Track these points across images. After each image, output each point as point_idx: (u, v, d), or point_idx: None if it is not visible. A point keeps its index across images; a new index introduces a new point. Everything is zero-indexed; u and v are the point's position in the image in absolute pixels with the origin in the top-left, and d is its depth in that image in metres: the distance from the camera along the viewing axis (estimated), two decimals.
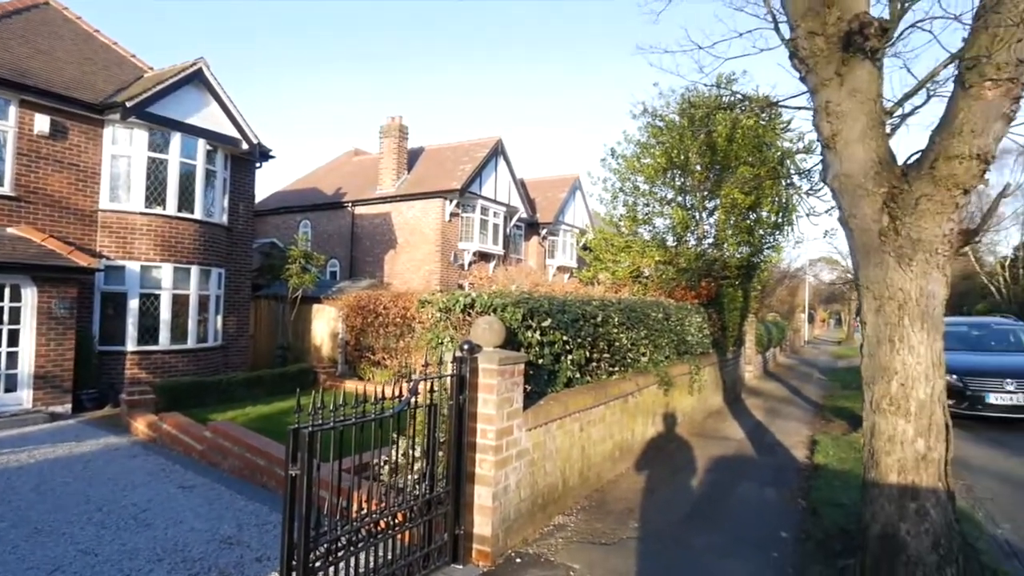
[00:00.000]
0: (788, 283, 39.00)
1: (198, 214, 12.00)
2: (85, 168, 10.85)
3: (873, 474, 3.77)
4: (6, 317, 9.10)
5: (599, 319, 6.35)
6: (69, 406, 9.64)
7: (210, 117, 12.28)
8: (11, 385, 9.16)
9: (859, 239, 3.85)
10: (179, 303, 11.76)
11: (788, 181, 12.42)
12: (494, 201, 22.16)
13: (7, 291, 9.10)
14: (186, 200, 11.85)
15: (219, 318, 12.86)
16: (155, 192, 11.44)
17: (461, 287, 19.36)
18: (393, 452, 4.40)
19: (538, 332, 5.19)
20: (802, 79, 4.10)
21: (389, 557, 3.79)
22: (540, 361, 5.26)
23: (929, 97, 5.28)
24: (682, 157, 12.37)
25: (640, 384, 7.28)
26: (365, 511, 3.67)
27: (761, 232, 12.60)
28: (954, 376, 9.15)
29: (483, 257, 21.86)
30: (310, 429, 3.12)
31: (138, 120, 11.02)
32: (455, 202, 20.32)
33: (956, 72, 3.56)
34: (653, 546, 4.75)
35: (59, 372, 9.53)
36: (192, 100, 11.97)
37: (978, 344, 11.07)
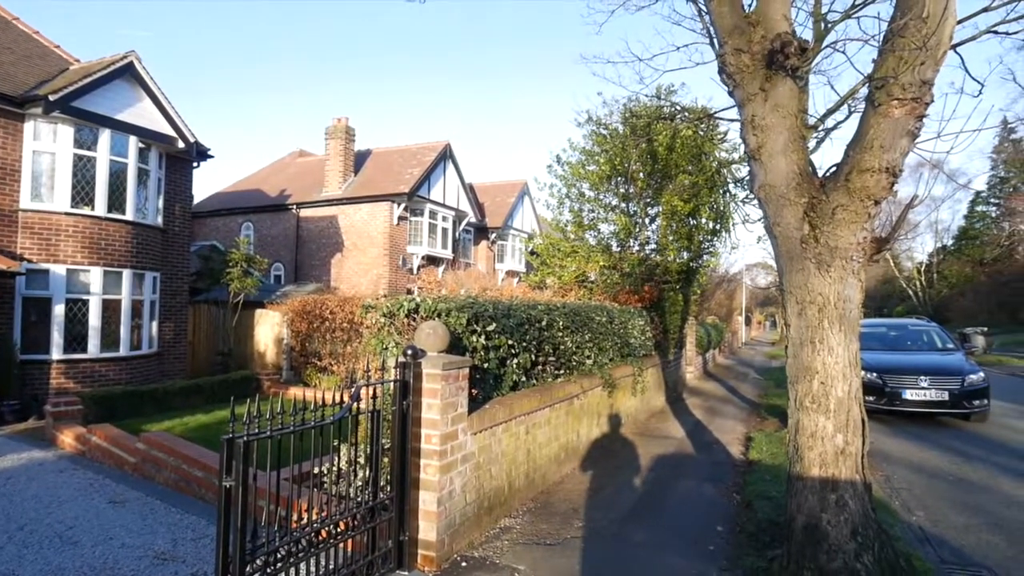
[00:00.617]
0: (726, 287, 40.53)
1: (130, 215, 11.46)
2: (3, 165, 10.18)
3: (798, 468, 4.01)
4: None
5: (544, 323, 6.46)
6: None
7: (143, 113, 11.76)
8: None
9: (783, 246, 4.08)
10: (110, 309, 11.19)
11: (725, 189, 12.97)
12: (443, 205, 22.10)
13: None
14: (117, 200, 11.30)
15: (154, 324, 12.31)
16: (82, 191, 10.86)
17: (410, 291, 19.22)
18: (336, 459, 4.35)
19: (483, 336, 5.24)
20: (730, 93, 4.33)
21: (331, 566, 3.75)
22: (486, 365, 5.31)
23: (850, 113, 5.63)
24: (625, 165, 12.71)
25: (585, 386, 7.43)
26: (306, 520, 3.62)
27: (700, 238, 13.07)
28: (874, 374, 9.74)
29: (432, 261, 21.75)
30: (245, 439, 3.06)
31: (63, 115, 10.43)
32: (403, 206, 20.16)
33: (868, 92, 3.84)
34: (596, 544, 4.87)
35: None
36: (123, 95, 11.43)
37: (896, 344, 11.81)
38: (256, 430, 3.15)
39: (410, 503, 4.29)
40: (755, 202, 4.38)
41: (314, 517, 3.68)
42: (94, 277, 10.91)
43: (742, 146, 4.42)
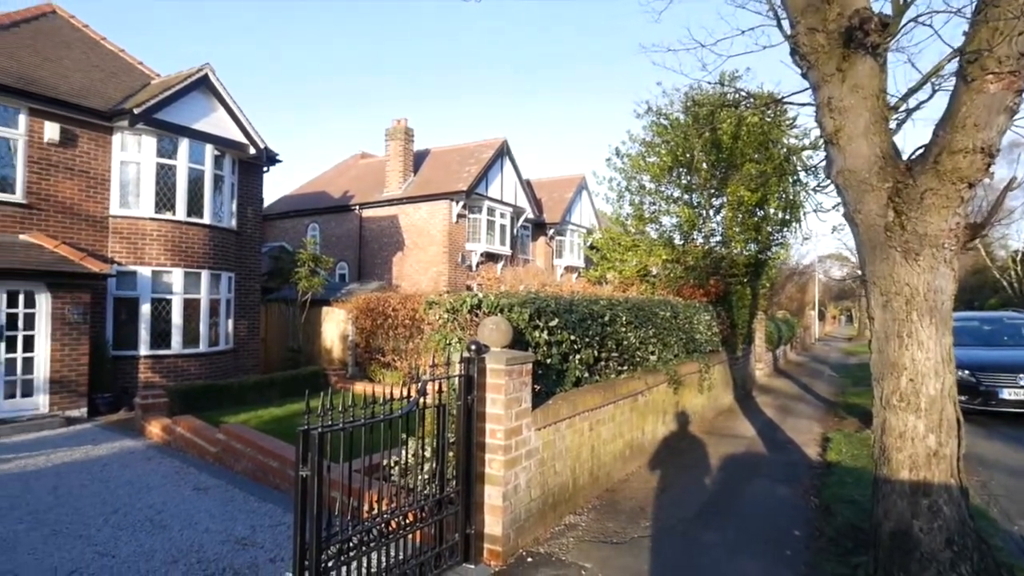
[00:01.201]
0: (797, 280, 38.79)
1: (207, 219, 12.12)
2: (95, 175, 10.98)
3: (885, 471, 3.76)
4: (21, 323, 9.23)
5: (607, 318, 6.36)
6: (85, 410, 9.76)
7: (217, 122, 12.39)
8: (27, 390, 9.29)
9: (865, 234, 3.84)
10: (190, 307, 11.88)
11: (795, 178, 12.39)
12: (500, 202, 22.20)
13: (21, 297, 9.23)
14: (195, 205, 11.97)
15: (230, 322, 12.97)
16: (164, 197, 11.56)
17: (469, 288, 19.42)
18: (403, 453, 4.43)
19: (545, 332, 5.21)
20: (804, 75, 4.10)
21: (401, 557, 3.82)
22: (548, 361, 5.28)
23: (934, 92, 5.26)
24: (687, 155, 12.35)
25: (649, 383, 7.28)
26: (376, 511, 3.70)
27: (768, 229, 12.55)
28: (966, 371, 9.07)
29: (491, 258, 21.90)
30: (320, 431, 3.15)
31: (146, 126, 11.14)
32: (462, 203, 20.37)
33: (958, 66, 3.55)
34: (665, 544, 4.75)
35: (74, 377, 9.65)
36: (199, 106, 12.09)
37: (990, 339, 10.96)
38: (329, 423, 3.24)
39: (475, 497, 4.32)
40: (829, 190, 4.16)
41: (384, 508, 3.76)
42: (176, 278, 11.61)
43: (813, 132, 4.21)
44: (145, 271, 11.27)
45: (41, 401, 9.35)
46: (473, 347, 4.26)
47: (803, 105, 6.76)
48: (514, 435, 4.44)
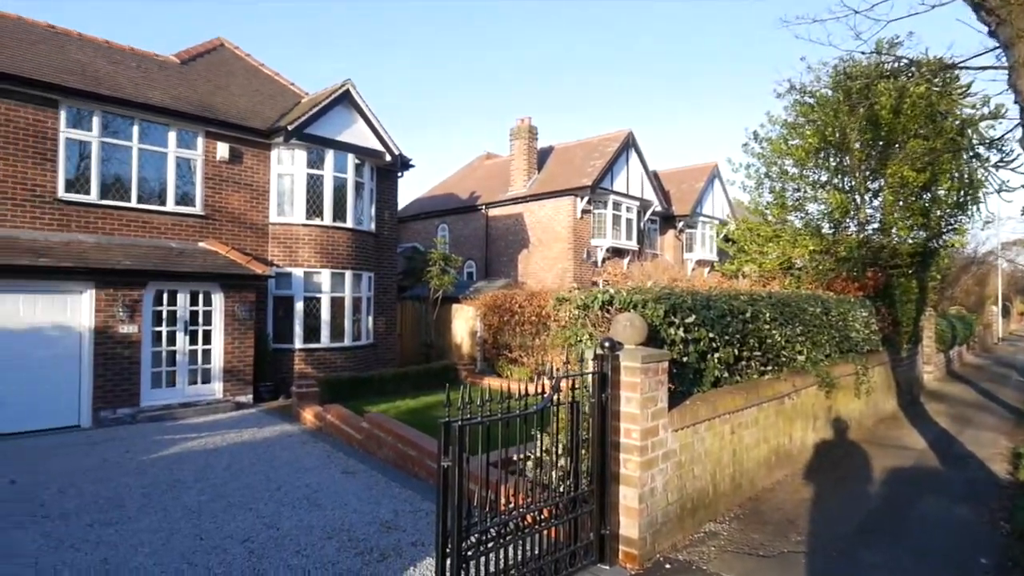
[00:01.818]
0: (975, 271, 33.75)
1: (350, 223, 13.09)
2: (257, 187, 12.29)
3: None
4: (201, 319, 10.56)
5: (748, 314, 5.92)
6: (251, 396, 10.97)
7: (357, 133, 13.34)
8: (206, 378, 10.62)
9: None
10: (336, 305, 12.91)
11: (971, 153, 10.72)
12: (626, 195, 21.69)
13: (201, 297, 10.56)
14: (339, 210, 12.98)
15: (370, 318, 13.92)
16: (313, 205, 12.66)
17: (595, 284, 19.19)
18: (536, 448, 4.42)
19: (681, 329, 4.94)
20: (991, 33, 3.51)
21: (536, 552, 3.81)
22: (684, 359, 5.01)
23: None
24: (837, 135, 11.18)
25: (797, 385, 6.67)
26: (512, 505, 3.72)
27: (939, 213, 11.02)
28: None
29: (617, 253, 21.48)
30: (460, 423, 3.21)
31: (298, 141, 12.26)
32: (586, 199, 20.18)
33: None
34: (819, 562, 4.31)
35: (242, 367, 10.89)
36: (341, 118, 13.08)
37: None
38: (468, 416, 3.29)
39: (610, 497, 4.20)
40: (1015, 165, 3.47)
41: (519, 502, 3.76)
42: (324, 278, 12.68)
43: (993, 99, 3.55)
44: (298, 272, 12.43)
45: (217, 388, 10.65)
46: (607, 344, 4.14)
47: (981, 69, 5.80)
48: (650, 435, 4.26)
